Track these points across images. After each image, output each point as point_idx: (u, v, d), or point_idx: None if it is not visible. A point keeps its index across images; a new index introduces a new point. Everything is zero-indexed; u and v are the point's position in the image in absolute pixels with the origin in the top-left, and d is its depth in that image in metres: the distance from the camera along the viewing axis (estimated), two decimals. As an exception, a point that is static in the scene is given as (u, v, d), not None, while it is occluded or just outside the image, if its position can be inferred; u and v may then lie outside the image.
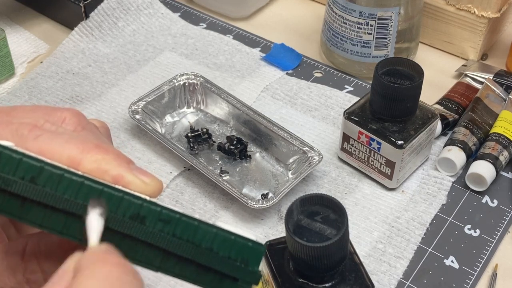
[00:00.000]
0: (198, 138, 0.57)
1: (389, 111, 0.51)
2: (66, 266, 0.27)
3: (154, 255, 0.30)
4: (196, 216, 0.30)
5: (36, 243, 0.33)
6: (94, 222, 0.28)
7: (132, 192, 0.30)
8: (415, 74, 0.51)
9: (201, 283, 0.30)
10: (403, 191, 0.55)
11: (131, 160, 0.33)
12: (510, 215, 0.53)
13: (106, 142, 0.34)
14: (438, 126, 0.57)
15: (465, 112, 0.59)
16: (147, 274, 0.47)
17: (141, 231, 0.29)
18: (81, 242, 0.29)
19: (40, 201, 0.29)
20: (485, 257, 0.50)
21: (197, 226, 0.30)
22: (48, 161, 0.29)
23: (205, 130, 0.57)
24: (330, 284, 0.39)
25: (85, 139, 0.32)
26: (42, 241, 0.32)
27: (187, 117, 0.60)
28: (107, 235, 0.29)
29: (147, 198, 0.30)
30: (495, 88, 0.62)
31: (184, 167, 0.56)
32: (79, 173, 0.30)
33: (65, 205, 0.29)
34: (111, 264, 0.26)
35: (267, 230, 0.51)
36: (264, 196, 0.53)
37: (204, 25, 0.73)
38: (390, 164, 0.52)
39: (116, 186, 0.30)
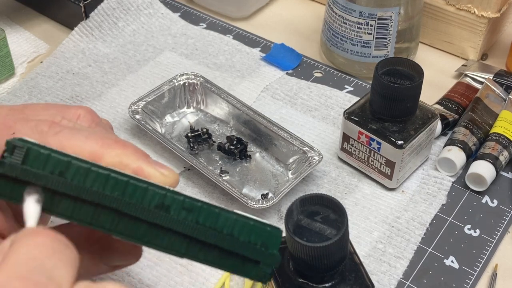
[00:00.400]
0: (198, 138, 0.57)
1: (389, 111, 0.51)
2: (4, 242, 0.27)
3: (180, 242, 0.31)
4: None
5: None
6: (31, 207, 0.29)
7: (155, 183, 0.31)
8: (415, 74, 0.51)
9: (225, 267, 0.32)
10: (403, 191, 0.55)
11: (147, 154, 0.34)
12: (510, 215, 0.53)
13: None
14: (438, 126, 0.57)
15: (465, 112, 0.59)
16: (146, 275, 0.47)
17: (166, 219, 0.31)
18: (110, 232, 0.31)
19: (69, 194, 0.30)
20: (485, 257, 0.50)
21: (218, 213, 0.31)
22: (75, 155, 0.30)
23: (205, 130, 0.57)
24: (330, 284, 0.39)
25: (103, 134, 0.34)
26: (68, 236, 0.33)
27: (187, 117, 0.60)
28: (133, 225, 0.30)
29: (170, 188, 0.31)
30: (495, 88, 0.62)
31: (184, 167, 0.56)
32: (104, 166, 0.31)
33: (93, 196, 0.30)
34: (43, 235, 0.27)
35: (267, 230, 0.51)
36: (264, 196, 0.53)
37: (204, 25, 0.73)
38: (390, 164, 0.52)
39: (140, 178, 0.31)
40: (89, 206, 0.30)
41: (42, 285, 0.25)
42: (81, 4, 0.69)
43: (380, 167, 0.53)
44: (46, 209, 0.30)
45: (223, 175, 0.54)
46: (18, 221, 0.38)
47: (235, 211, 0.32)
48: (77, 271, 0.27)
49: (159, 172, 0.33)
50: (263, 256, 0.32)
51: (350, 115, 0.53)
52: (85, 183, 0.30)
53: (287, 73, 0.67)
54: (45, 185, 0.30)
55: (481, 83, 0.63)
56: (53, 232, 0.28)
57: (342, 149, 0.56)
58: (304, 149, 0.54)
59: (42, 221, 0.39)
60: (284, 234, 0.34)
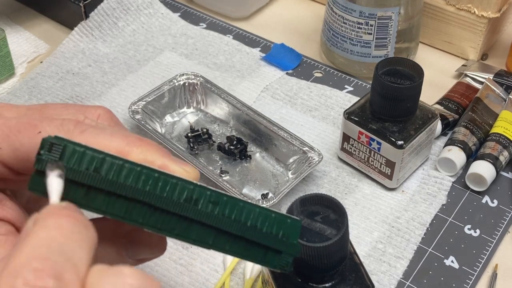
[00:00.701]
0: (198, 138, 0.57)
1: (389, 111, 0.51)
2: (28, 221, 0.29)
3: (207, 234, 0.33)
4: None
5: None
6: (54, 182, 0.30)
7: (183, 177, 0.32)
8: (415, 74, 0.51)
9: (249, 257, 0.33)
10: (403, 191, 0.55)
11: (169, 152, 0.35)
12: (510, 215, 0.53)
13: None
14: (438, 126, 0.57)
15: (465, 112, 0.59)
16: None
17: (195, 212, 0.32)
18: (142, 226, 0.32)
19: (104, 189, 0.31)
20: (485, 257, 0.50)
21: (242, 206, 0.33)
22: (107, 152, 0.32)
23: (205, 130, 0.57)
24: (330, 284, 0.39)
25: (125, 133, 0.35)
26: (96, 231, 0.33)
27: (187, 117, 0.60)
28: (164, 218, 0.32)
29: (197, 182, 0.33)
30: (495, 88, 0.62)
31: (184, 167, 0.56)
32: (136, 162, 0.32)
33: (126, 191, 0.31)
34: (63, 216, 0.28)
35: (267, 230, 0.51)
36: (264, 196, 0.53)
37: (204, 25, 0.73)
38: (390, 164, 0.52)
39: (168, 173, 0.32)
40: (123, 200, 0.31)
41: (60, 265, 0.26)
42: (81, 4, 0.69)
43: (380, 167, 0.53)
44: (82, 205, 0.31)
45: (223, 175, 0.54)
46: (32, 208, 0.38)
47: (261, 205, 0.34)
48: (95, 252, 0.28)
49: (182, 168, 0.34)
50: (285, 246, 0.33)
51: (350, 115, 0.53)
52: (119, 178, 0.31)
53: (287, 73, 0.67)
54: (82, 181, 0.31)
55: (481, 83, 0.63)
56: (73, 211, 0.29)
57: (342, 149, 0.56)
58: (304, 149, 0.54)
59: None
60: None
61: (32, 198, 0.39)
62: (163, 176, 0.32)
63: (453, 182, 0.55)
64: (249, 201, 0.33)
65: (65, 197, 0.31)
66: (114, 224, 0.34)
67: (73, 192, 0.31)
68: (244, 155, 0.56)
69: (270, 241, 0.33)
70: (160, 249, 0.37)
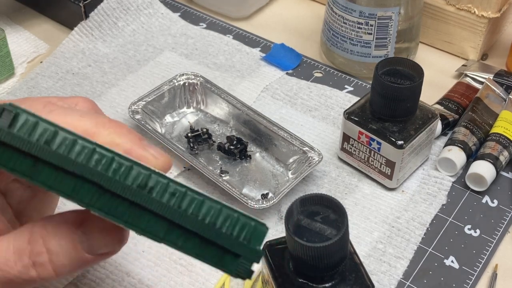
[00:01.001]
0: (198, 138, 0.57)
1: (389, 111, 0.51)
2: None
3: (160, 225, 0.31)
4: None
5: (42, 225, 0.33)
6: None
7: (143, 164, 0.31)
8: (415, 74, 0.51)
9: (203, 257, 0.31)
10: (403, 191, 0.55)
11: (142, 137, 0.34)
12: (510, 215, 0.53)
13: None
14: (438, 126, 0.57)
15: (465, 112, 0.59)
16: (146, 275, 0.47)
17: (148, 199, 0.30)
18: (89, 207, 0.30)
19: (52, 163, 0.30)
20: (485, 257, 0.50)
21: (202, 200, 0.31)
22: (63, 126, 0.31)
23: (205, 130, 0.57)
24: (330, 284, 0.39)
25: (98, 116, 0.34)
26: (49, 223, 0.33)
27: (187, 117, 0.60)
28: (113, 202, 0.30)
29: (156, 170, 0.31)
30: (495, 88, 0.62)
31: (184, 167, 0.56)
32: (92, 140, 0.31)
33: (76, 168, 0.30)
34: None
35: (267, 230, 0.51)
36: (264, 196, 0.53)
37: (204, 25, 0.73)
38: (390, 164, 0.52)
39: (129, 157, 0.31)
40: (72, 178, 0.30)
41: None
42: (81, 4, 0.69)
43: (380, 167, 0.53)
44: (28, 176, 0.30)
45: (223, 175, 0.54)
46: (19, 219, 0.38)
47: (224, 203, 0.31)
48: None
49: (150, 154, 0.33)
50: (245, 250, 0.31)
51: (350, 115, 0.53)
52: (70, 154, 0.30)
53: (287, 73, 0.67)
54: (30, 152, 0.30)
55: (481, 83, 0.63)
56: None
57: (342, 149, 0.56)
58: (304, 149, 0.54)
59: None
60: (272, 231, 0.33)
61: (23, 198, 0.39)
62: (118, 158, 0.30)
63: (453, 182, 0.55)
64: (213, 197, 0.31)
65: (11, 166, 0.30)
66: (70, 216, 0.33)
67: (20, 162, 0.30)
68: (244, 155, 0.56)
69: (229, 242, 0.31)
70: (117, 240, 0.35)
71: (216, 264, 0.31)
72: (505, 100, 0.61)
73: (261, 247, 0.31)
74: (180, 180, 0.55)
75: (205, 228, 0.31)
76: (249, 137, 0.58)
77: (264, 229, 0.31)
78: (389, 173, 0.53)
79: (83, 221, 0.33)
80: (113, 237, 0.34)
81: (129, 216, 0.31)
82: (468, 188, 0.55)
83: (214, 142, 0.57)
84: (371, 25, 0.61)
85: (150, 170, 0.31)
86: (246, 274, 0.31)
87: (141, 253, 0.49)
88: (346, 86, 0.65)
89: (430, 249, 0.50)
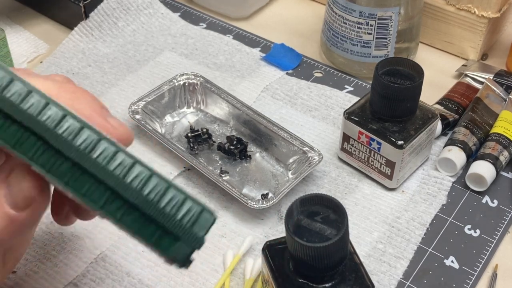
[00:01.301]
0: (198, 138, 0.57)
1: (389, 111, 0.51)
2: None
3: (101, 193, 0.30)
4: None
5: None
6: None
7: (98, 130, 0.30)
8: (415, 74, 0.51)
9: (140, 234, 0.30)
10: (403, 191, 0.55)
11: (105, 106, 0.34)
12: (510, 215, 0.53)
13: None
14: (438, 126, 0.57)
15: (465, 112, 0.59)
16: (146, 275, 0.47)
17: (91, 163, 0.29)
18: (31, 162, 0.30)
19: (1, 110, 0.29)
20: (485, 257, 0.50)
21: (150, 175, 0.30)
22: (20, 76, 0.30)
23: (205, 130, 0.57)
24: (330, 284, 0.39)
25: (66, 84, 0.33)
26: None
27: (187, 117, 0.60)
28: (56, 160, 0.30)
29: (108, 137, 0.30)
30: (495, 88, 0.62)
31: (184, 167, 0.56)
32: (48, 96, 0.30)
33: (24, 118, 0.29)
34: None
35: (267, 230, 0.51)
36: (264, 196, 0.53)
37: (204, 25, 0.73)
38: (390, 164, 0.52)
39: (84, 120, 0.30)
40: (19, 128, 0.30)
41: None
42: (81, 4, 0.69)
43: (380, 167, 0.53)
44: None
45: (223, 175, 0.54)
46: None
47: (175, 184, 0.30)
48: None
49: (109, 123, 0.33)
50: (185, 233, 0.29)
51: (350, 115, 0.53)
52: (22, 103, 0.29)
53: (287, 73, 0.67)
54: None
55: (481, 83, 0.63)
56: None
57: (342, 149, 0.56)
58: (304, 149, 0.54)
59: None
60: (215, 220, 0.31)
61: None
62: (70, 117, 0.30)
63: (453, 182, 0.55)
64: (164, 176, 0.30)
65: None
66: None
67: None
68: (244, 155, 0.56)
69: (170, 222, 0.29)
70: (36, 188, 0.32)
71: (153, 243, 0.30)
72: (505, 100, 0.61)
73: (204, 235, 0.30)
74: (180, 180, 0.55)
75: (147, 203, 0.29)
76: (249, 137, 0.58)
77: (210, 217, 0.30)
78: (389, 173, 0.53)
79: (8, 176, 0.32)
80: (32, 185, 0.32)
81: (71, 177, 0.30)
82: (468, 188, 0.55)
83: (214, 142, 0.57)
84: (371, 25, 0.61)
85: (102, 136, 0.30)
86: (182, 260, 0.30)
87: (141, 253, 0.49)
88: (346, 86, 0.65)
89: (430, 249, 0.50)
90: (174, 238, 0.30)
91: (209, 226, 0.30)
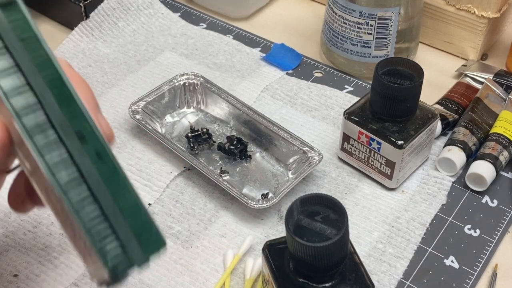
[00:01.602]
0: (198, 138, 0.57)
1: (389, 111, 0.51)
2: None
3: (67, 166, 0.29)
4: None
5: None
6: None
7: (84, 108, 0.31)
8: (415, 74, 0.51)
9: (87, 231, 0.29)
10: (403, 191, 0.55)
11: (97, 103, 0.35)
12: (510, 215, 0.53)
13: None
14: (438, 126, 0.57)
15: (465, 112, 0.59)
16: (147, 275, 0.47)
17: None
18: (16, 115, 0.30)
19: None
20: (485, 257, 0.50)
21: (123, 178, 0.29)
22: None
23: (205, 130, 0.57)
24: (330, 284, 0.39)
25: (67, 67, 0.34)
26: None
27: (187, 117, 0.61)
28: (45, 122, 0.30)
29: (98, 133, 0.30)
30: (495, 88, 0.62)
31: (184, 167, 0.56)
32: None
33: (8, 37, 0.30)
34: None
35: (267, 230, 0.51)
36: (264, 196, 0.53)
37: (204, 25, 0.73)
38: (390, 164, 0.52)
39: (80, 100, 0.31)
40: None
41: None
42: (81, 4, 0.69)
43: (380, 167, 0.53)
44: None
45: (223, 175, 0.54)
46: None
47: (137, 194, 0.29)
48: None
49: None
50: (134, 249, 0.28)
51: (350, 115, 0.53)
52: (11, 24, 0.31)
53: (287, 73, 0.67)
54: None
55: (481, 83, 0.63)
56: None
57: (342, 149, 0.56)
58: (304, 149, 0.54)
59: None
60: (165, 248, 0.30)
61: None
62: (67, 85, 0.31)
63: (453, 182, 0.55)
64: (134, 189, 0.29)
65: None
66: None
67: None
68: (244, 155, 0.56)
69: (123, 231, 0.28)
70: None
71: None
72: (505, 100, 0.61)
73: (150, 260, 0.29)
74: (180, 180, 0.55)
75: (109, 205, 0.29)
76: (249, 137, 0.58)
77: (162, 245, 0.29)
78: (389, 173, 0.53)
79: None
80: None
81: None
82: (468, 188, 0.55)
83: (214, 142, 0.57)
84: (371, 25, 0.61)
85: (89, 121, 0.30)
86: (121, 269, 0.28)
87: (141, 253, 0.49)
88: (346, 86, 0.65)
89: (430, 249, 0.50)
90: (121, 245, 0.29)
91: (158, 252, 0.29)
